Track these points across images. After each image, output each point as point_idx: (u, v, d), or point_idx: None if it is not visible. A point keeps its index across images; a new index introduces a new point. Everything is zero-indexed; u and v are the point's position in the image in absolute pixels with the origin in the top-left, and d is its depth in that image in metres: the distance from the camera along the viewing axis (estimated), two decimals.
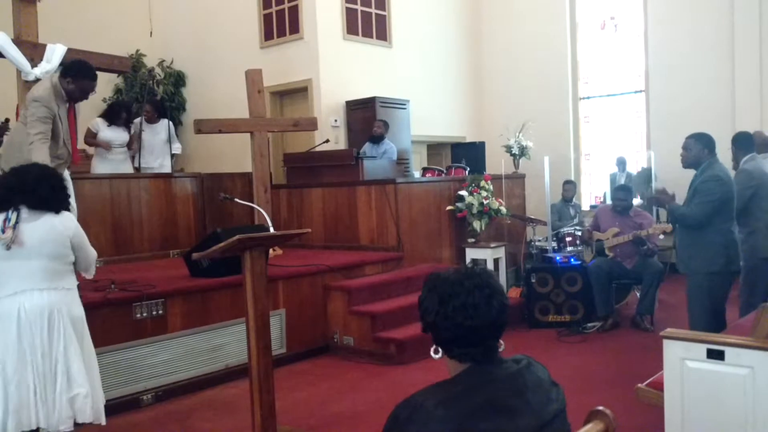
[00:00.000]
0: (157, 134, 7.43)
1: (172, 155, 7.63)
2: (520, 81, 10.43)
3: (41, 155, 4.11)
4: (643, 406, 3.30)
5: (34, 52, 5.20)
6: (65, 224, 3.26)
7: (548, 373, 1.69)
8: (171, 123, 7.64)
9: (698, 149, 4.45)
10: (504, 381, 1.57)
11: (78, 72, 4.34)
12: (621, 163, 9.29)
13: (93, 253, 3.46)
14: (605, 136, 10.12)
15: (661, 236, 6.11)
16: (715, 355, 2.70)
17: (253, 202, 6.51)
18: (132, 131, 7.24)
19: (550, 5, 10.21)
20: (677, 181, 5.64)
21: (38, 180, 3.23)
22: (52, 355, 3.16)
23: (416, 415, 1.49)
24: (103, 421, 3.35)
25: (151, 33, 10.48)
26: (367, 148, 7.80)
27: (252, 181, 6.88)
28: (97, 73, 4.48)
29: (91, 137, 6.98)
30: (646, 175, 8.64)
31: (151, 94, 8.58)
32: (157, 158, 7.46)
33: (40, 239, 3.15)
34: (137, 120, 7.40)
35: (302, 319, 5.63)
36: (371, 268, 6.37)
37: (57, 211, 3.25)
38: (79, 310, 3.36)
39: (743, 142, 5.05)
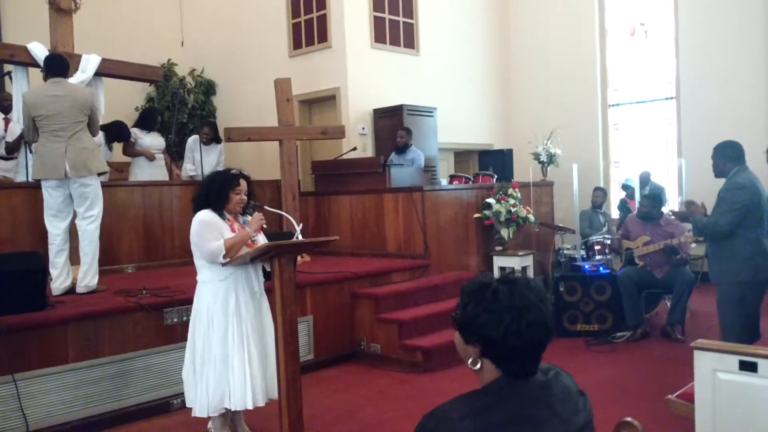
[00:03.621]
0: (208, 156, 7.51)
1: None
2: (549, 88, 10.36)
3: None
4: (673, 418, 3.26)
5: (70, 62, 5.33)
6: (192, 225, 3.69)
7: (576, 383, 1.68)
8: (224, 149, 7.76)
9: (717, 161, 4.45)
10: (532, 392, 1.56)
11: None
12: (645, 180, 8.27)
13: (208, 247, 3.57)
14: (635, 144, 10.00)
15: (693, 245, 6.01)
16: (748, 366, 2.66)
17: (281, 210, 6.57)
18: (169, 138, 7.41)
19: (579, 12, 10.13)
20: (710, 188, 5.55)
21: None
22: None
23: (442, 426, 1.48)
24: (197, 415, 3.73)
25: (182, 43, 10.67)
26: (393, 158, 7.81)
27: (281, 189, 6.96)
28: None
29: (131, 147, 7.06)
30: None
31: (184, 103, 8.71)
32: None
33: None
34: (193, 138, 7.71)
35: (330, 325, 5.66)
36: (398, 275, 6.38)
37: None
38: (202, 304, 3.65)
39: None
